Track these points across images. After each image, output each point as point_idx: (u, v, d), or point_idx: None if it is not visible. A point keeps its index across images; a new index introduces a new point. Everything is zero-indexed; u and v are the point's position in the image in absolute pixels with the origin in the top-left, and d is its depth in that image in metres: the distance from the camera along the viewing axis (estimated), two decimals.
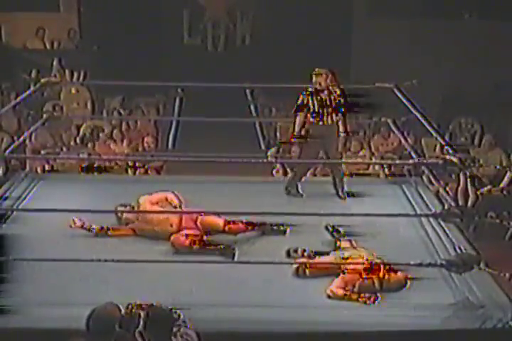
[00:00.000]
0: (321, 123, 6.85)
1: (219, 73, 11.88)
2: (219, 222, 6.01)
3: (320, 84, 6.83)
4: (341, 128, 6.88)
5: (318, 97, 6.84)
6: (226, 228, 5.99)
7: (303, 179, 7.18)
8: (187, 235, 5.84)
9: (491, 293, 5.08)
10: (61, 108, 12.01)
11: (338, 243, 5.86)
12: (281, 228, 6.12)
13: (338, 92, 6.87)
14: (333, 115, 6.85)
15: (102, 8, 13.16)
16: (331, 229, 6.11)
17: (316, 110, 6.83)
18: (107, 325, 4.15)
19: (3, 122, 11.12)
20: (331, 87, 6.85)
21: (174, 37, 13.66)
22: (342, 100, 6.86)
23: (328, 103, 6.83)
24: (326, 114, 6.84)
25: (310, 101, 6.85)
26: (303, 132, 6.90)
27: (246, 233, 6.06)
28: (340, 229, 6.07)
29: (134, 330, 4.21)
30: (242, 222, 6.01)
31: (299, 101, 6.90)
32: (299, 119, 6.89)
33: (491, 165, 9.98)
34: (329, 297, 5.12)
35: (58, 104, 12.09)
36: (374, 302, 5.05)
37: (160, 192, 6.34)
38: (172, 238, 5.87)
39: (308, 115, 6.86)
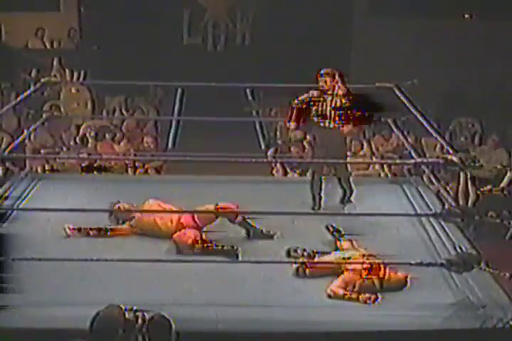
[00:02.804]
0: (322, 124, 6.65)
1: (219, 73, 11.87)
2: (210, 207, 5.97)
3: (325, 84, 6.63)
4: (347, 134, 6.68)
5: (322, 98, 6.63)
6: (220, 210, 5.92)
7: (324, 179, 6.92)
8: (189, 235, 5.83)
9: (492, 292, 5.08)
10: (59, 108, 12.00)
11: (339, 243, 5.86)
12: (270, 233, 6.09)
13: (342, 93, 6.60)
14: (336, 118, 6.62)
15: (102, 8, 13.15)
16: (331, 229, 6.11)
17: (319, 111, 6.66)
18: (111, 328, 4.15)
19: (3, 122, 11.12)
20: (336, 89, 6.60)
21: (174, 37, 13.66)
22: (346, 103, 6.60)
23: (331, 105, 6.61)
24: (327, 116, 6.63)
25: (312, 102, 6.66)
26: (307, 134, 6.76)
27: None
28: (341, 229, 6.07)
29: (137, 334, 4.21)
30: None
31: (301, 97, 6.70)
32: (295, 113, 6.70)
33: (492, 165, 9.99)
34: (329, 297, 5.11)
35: (58, 104, 12.09)
36: (374, 302, 5.05)
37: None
38: (175, 236, 5.87)
39: (311, 116, 6.69)
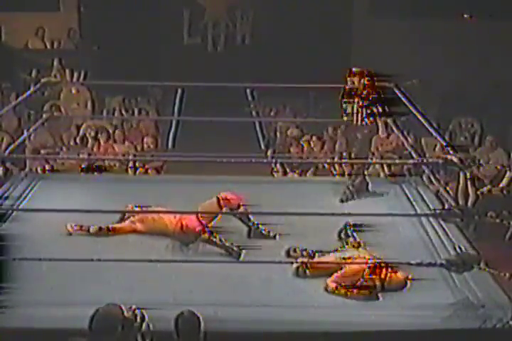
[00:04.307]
0: (349, 123, 6.74)
1: (219, 73, 11.88)
2: (213, 200, 5.97)
3: (353, 83, 6.64)
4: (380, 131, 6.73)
5: (349, 97, 6.65)
6: (222, 202, 5.91)
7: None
8: (198, 224, 5.83)
9: (491, 292, 5.08)
10: (59, 108, 12.00)
11: (350, 240, 5.84)
12: (270, 233, 6.08)
13: (371, 95, 6.59)
14: (360, 116, 6.63)
15: (102, 8, 13.16)
16: (347, 228, 6.05)
17: (344, 109, 6.69)
18: (110, 326, 4.16)
19: (3, 122, 11.12)
20: (365, 90, 6.60)
21: (174, 37, 13.66)
22: (373, 103, 6.58)
23: (357, 104, 6.62)
24: (354, 114, 6.64)
25: (342, 99, 6.71)
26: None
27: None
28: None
29: (136, 332, 4.22)
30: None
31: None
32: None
33: (491, 165, 9.99)
34: (326, 290, 5.12)
35: (58, 104, 12.09)
36: (373, 297, 5.05)
37: None
38: (184, 222, 5.88)
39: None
